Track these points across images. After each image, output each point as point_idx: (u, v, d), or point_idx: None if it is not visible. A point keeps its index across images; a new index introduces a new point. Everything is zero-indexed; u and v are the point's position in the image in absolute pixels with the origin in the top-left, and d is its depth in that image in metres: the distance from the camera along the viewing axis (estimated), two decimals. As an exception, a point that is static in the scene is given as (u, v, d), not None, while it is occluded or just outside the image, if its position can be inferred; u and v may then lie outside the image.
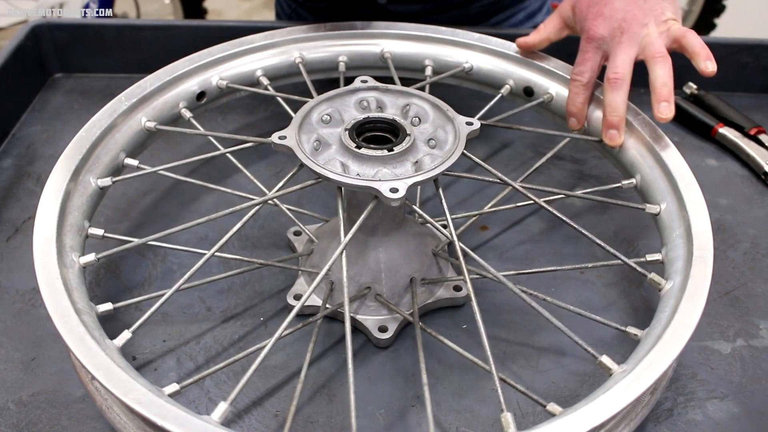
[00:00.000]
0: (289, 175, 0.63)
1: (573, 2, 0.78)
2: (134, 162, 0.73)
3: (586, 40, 0.75)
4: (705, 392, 0.64)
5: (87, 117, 0.72)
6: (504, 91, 0.84)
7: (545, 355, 0.67)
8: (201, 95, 0.81)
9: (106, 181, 0.69)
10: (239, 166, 0.76)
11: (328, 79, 0.88)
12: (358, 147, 0.62)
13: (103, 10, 2.13)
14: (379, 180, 0.58)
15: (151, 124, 0.75)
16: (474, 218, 0.78)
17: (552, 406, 0.53)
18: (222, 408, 0.51)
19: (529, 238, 0.80)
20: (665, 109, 0.69)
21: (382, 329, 0.66)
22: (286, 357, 0.66)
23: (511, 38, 0.85)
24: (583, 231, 0.65)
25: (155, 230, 0.79)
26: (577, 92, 0.76)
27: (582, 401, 0.51)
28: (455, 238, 0.60)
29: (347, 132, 0.63)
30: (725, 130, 0.94)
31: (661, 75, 0.70)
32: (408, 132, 0.64)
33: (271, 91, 0.82)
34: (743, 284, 0.75)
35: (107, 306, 0.60)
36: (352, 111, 0.67)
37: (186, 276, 0.60)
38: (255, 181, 0.76)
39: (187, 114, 0.79)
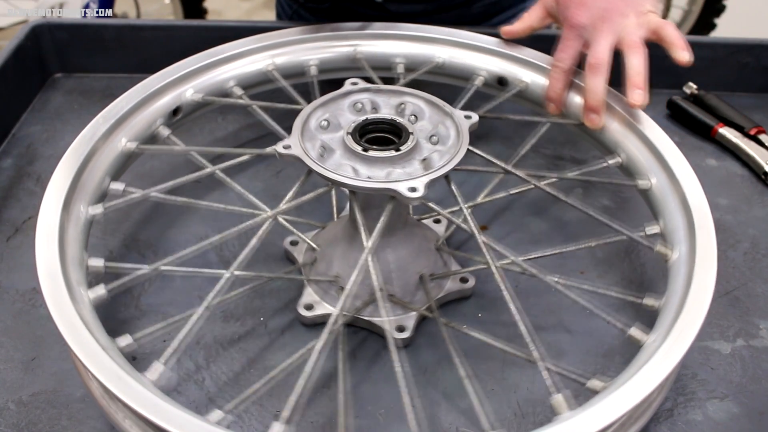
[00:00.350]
0: (296, 186, 0.62)
1: None
2: (120, 186, 0.70)
3: (568, 28, 0.77)
4: (705, 392, 0.64)
5: (87, 117, 0.72)
6: (478, 82, 0.84)
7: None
8: (176, 111, 0.79)
9: (98, 209, 0.66)
10: (234, 185, 0.73)
11: (303, 82, 0.87)
12: (365, 150, 0.62)
13: (103, 10, 2.13)
14: (396, 180, 0.59)
15: (132, 145, 0.73)
16: (470, 208, 0.77)
17: (593, 383, 0.55)
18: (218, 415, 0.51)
19: (529, 239, 0.80)
20: (639, 96, 0.72)
21: (400, 329, 0.67)
22: (285, 357, 0.66)
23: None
24: (587, 210, 0.68)
25: (155, 234, 0.80)
26: (557, 78, 0.78)
27: (622, 375, 0.53)
28: (476, 230, 0.61)
29: (350, 136, 0.63)
30: (725, 130, 0.94)
31: (636, 64, 0.72)
32: (411, 131, 0.64)
33: (246, 101, 0.81)
34: (743, 284, 0.75)
35: (128, 340, 0.58)
36: (348, 114, 0.67)
37: (210, 297, 0.59)
38: (253, 199, 0.72)
39: (165, 132, 0.77)
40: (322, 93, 0.70)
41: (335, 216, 0.77)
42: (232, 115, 0.98)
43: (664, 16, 2.84)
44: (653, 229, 0.68)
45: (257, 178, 0.87)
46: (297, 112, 0.66)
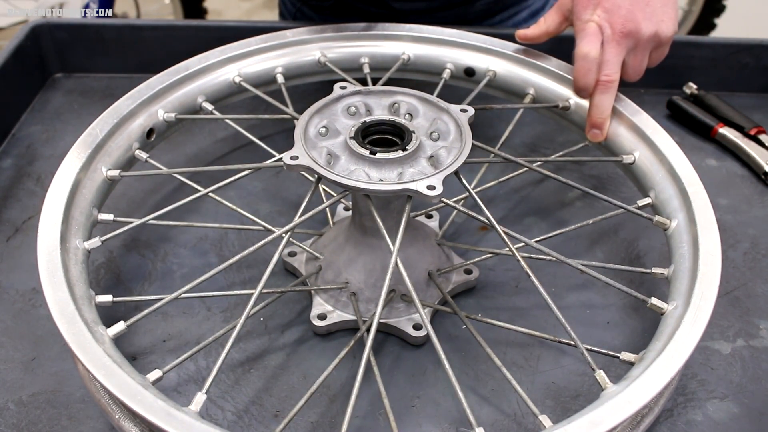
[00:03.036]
0: (307, 198, 0.62)
1: None
2: (109, 216, 0.68)
3: (586, 22, 0.74)
4: (705, 392, 0.64)
5: (87, 117, 0.72)
6: (445, 75, 0.85)
7: (545, 355, 0.67)
8: (150, 132, 0.77)
9: (95, 243, 0.65)
10: (231, 206, 0.73)
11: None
12: (373, 153, 0.62)
13: (103, 10, 2.13)
14: (413, 180, 0.59)
15: (114, 173, 0.71)
16: (464, 199, 0.78)
17: (625, 355, 0.58)
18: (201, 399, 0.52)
19: (528, 236, 0.79)
20: (597, 136, 0.75)
21: (417, 327, 0.67)
22: (286, 357, 0.66)
23: (513, 38, 0.85)
24: (583, 188, 0.69)
25: (156, 234, 0.80)
26: (588, 68, 0.74)
27: (652, 343, 0.56)
28: (494, 221, 0.62)
29: (354, 140, 0.63)
30: (725, 130, 0.94)
31: (605, 103, 0.74)
32: (412, 130, 0.64)
33: (218, 115, 0.80)
34: (743, 284, 0.75)
35: (107, 297, 0.60)
36: (342, 119, 0.67)
37: (242, 320, 0.57)
38: (251, 217, 0.72)
39: (143, 155, 0.74)
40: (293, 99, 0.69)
41: (331, 222, 0.77)
42: (233, 114, 0.97)
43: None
44: (644, 200, 0.71)
45: (257, 177, 0.87)
46: (284, 120, 0.65)
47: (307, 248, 0.73)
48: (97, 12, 2.14)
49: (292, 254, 0.74)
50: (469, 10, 1.08)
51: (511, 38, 0.85)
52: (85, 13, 2.14)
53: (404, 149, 0.62)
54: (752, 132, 0.93)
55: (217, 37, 0.88)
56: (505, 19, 1.11)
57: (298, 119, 0.65)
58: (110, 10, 2.14)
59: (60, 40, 1.04)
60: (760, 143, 0.92)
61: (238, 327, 0.57)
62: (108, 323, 0.58)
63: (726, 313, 0.71)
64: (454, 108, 0.66)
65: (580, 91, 0.77)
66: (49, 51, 1.04)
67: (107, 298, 0.61)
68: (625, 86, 0.76)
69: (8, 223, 0.80)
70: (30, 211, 0.82)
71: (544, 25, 0.81)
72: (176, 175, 0.74)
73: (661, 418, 0.61)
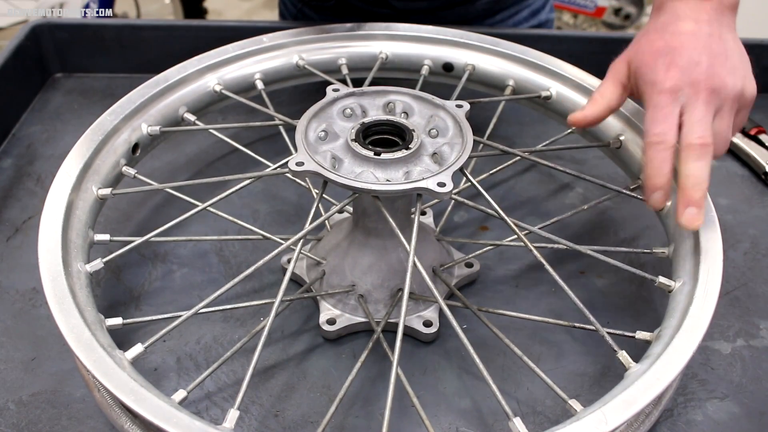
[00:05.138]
0: (315, 204, 0.62)
1: (628, 57, 0.66)
2: (105, 237, 0.67)
3: (659, 93, 0.61)
4: (705, 392, 0.64)
5: (87, 117, 0.72)
6: (424, 71, 0.85)
7: (545, 356, 0.67)
8: (135, 147, 0.76)
9: (98, 265, 0.64)
10: (232, 219, 0.72)
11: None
12: (377, 153, 0.61)
13: (103, 10, 2.14)
14: (423, 178, 0.59)
15: (105, 191, 0.69)
16: (458, 193, 0.78)
17: (641, 334, 0.59)
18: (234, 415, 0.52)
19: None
20: (693, 217, 0.59)
21: (427, 324, 0.67)
22: (286, 357, 0.66)
23: (513, 38, 0.86)
24: (580, 174, 0.70)
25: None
26: (663, 158, 0.60)
27: (666, 320, 0.58)
28: (502, 212, 0.63)
29: (355, 142, 0.63)
30: (725, 130, 0.94)
31: (700, 170, 0.59)
32: (411, 128, 0.64)
33: (201, 125, 0.79)
34: (743, 284, 0.75)
35: (117, 320, 0.59)
36: (339, 122, 0.66)
37: (266, 331, 0.57)
38: (253, 228, 0.72)
39: (131, 171, 0.73)
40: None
41: (328, 226, 0.76)
42: (231, 115, 0.98)
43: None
44: (637, 183, 0.71)
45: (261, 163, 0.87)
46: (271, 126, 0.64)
47: (309, 255, 0.72)
48: (97, 12, 2.14)
49: (290, 260, 0.74)
50: (470, 9, 1.08)
51: (512, 39, 0.85)
52: (85, 13, 2.14)
53: (408, 148, 0.62)
54: (752, 132, 0.93)
55: (217, 37, 0.88)
56: (506, 18, 1.11)
57: (283, 125, 0.64)
58: (110, 10, 2.14)
59: (60, 40, 1.04)
60: (760, 143, 0.92)
61: (263, 337, 0.56)
62: (112, 332, 0.58)
63: (726, 313, 0.71)
64: (450, 104, 0.66)
65: (655, 191, 0.61)
66: (49, 51, 1.04)
67: (117, 321, 0.60)
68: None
69: (8, 223, 0.80)
70: (30, 211, 0.82)
71: (603, 100, 0.67)
72: (168, 190, 0.73)
73: (662, 418, 0.61)
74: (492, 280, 0.74)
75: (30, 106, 1.00)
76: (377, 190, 0.58)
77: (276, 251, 0.60)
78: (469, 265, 0.73)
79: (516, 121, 0.98)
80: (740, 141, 0.92)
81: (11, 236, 0.79)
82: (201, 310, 0.59)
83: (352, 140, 0.63)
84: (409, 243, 0.57)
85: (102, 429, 0.60)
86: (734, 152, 0.93)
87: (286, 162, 0.61)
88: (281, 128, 0.81)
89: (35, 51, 1.02)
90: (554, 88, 0.80)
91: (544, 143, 0.82)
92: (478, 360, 0.53)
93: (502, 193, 0.86)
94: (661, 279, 0.62)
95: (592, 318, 0.59)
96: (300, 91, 0.91)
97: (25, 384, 0.63)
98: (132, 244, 0.66)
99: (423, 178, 0.58)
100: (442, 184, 0.58)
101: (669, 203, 0.66)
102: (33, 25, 1.01)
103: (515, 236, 0.64)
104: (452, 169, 0.59)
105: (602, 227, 0.81)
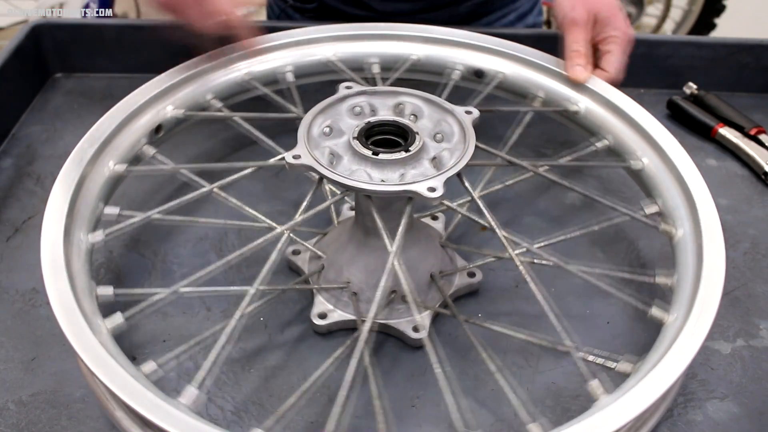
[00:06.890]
0: (309, 196, 0.62)
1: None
2: (115, 210, 0.68)
3: (570, 24, 0.80)
4: (705, 392, 0.64)
5: (87, 117, 0.72)
6: (455, 76, 0.85)
7: (546, 356, 0.67)
8: (158, 128, 0.75)
9: (98, 236, 0.65)
10: (233, 201, 0.72)
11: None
12: (375, 153, 0.61)
13: (103, 10, 2.14)
14: (414, 182, 0.58)
15: (121, 167, 0.70)
16: (469, 202, 0.78)
17: (622, 365, 0.58)
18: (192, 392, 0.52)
19: (529, 237, 0.79)
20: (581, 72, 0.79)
21: (417, 329, 0.67)
22: (286, 357, 0.66)
23: (511, 38, 0.86)
24: (589, 193, 0.69)
25: (156, 234, 0.79)
26: (579, 62, 0.80)
27: (650, 353, 0.56)
28: (494, 225, 0.62)
29: (357, 140, 0.63)
30: (725, 130, 0.94)
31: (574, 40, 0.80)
32: (416, 131, 0.64)
33: (227, 113, 0.80)
34: (743, 284, 0.75)
35: (108, 290, 0.60)
36: (347, 119, 0.67)
37: (237, 315, 0.58)
38: (255, 213, 0.72)
39: (151, 150, 0.74)
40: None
41: (335, 221, 0.77)
42: (256, 109, 0.97)
43: (664, 16, 2.84)
44: (651, 208, 0.70)
45: (257, 177, 0.87)
46: (290, 120, 0.65)
47: (310, 246, 0.73)
48: (97, 12, 2.14)
49: (296, 252, 0.74)
50: (455, 12, 1.07)
51: (510, 39, 0.85)
52: (85, 13, 2.14)
53: (407, 150, 0.62)
54: (752, 132, 0.93)
55: (216, 37, 0.88)
56: (492, 21, 1.11)
57: (298, 118, 0.65)
58: (110, 10, 2.14)
59: (60, 40, 1.04)
60: (760, 143, 0.92)
61: (233, 323, 0.56)
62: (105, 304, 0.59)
63: (726, 313, 0.71)
64: (459, 109, 0.66)
65: (578, 58, 0.80)
66: (49, 51, 1.04)
67: (108, 290, 0.61)
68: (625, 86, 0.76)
69: (8, 223, 0.80)
70: (30, 211, 0.82)
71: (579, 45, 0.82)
72: (183, 171, 0.74)
73: (661, 418, 0.61)
74: (494, 282, 0.74)
75: (30, 106, 1.00)
76: (366, 189, 0.58)
77: (263, 238, 0.61)
78: (472, 275, 0.72)
79: (543, 131, 0.95)
80: (740, 141, 0.92)
81: (11, 236, 0.79)
82: (182, 289, 0.60)
83: (353, 138, 0.63)
84: (393, 245, 0.57)
85: (102, 429, 0.60)
86: (734, 152, 0.93)
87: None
88: (297, 122, 0.81)
89: (35, 51, 1.02)
90: (583, 103, 0.79)
91: (565, 158, 0.79)
92: (439, 369, 0.53)
93: (521, 202, 0.85)
94: (654, 311, 0.61)
95: (569, 342, 0.57)
96: (314, 89, 0.90)
97: (25, 384, 0.63)
98: (136, 219, 0.66)
99: (414, 181, 0.58)
100: (432, 189, 0.57)
101: (680, 233, 0.65)
102: (33, 25, 1.01)
103: (522, 248, 0.64)
104: (446, 174, 0.59)
105: (611, 242, 0.79)
